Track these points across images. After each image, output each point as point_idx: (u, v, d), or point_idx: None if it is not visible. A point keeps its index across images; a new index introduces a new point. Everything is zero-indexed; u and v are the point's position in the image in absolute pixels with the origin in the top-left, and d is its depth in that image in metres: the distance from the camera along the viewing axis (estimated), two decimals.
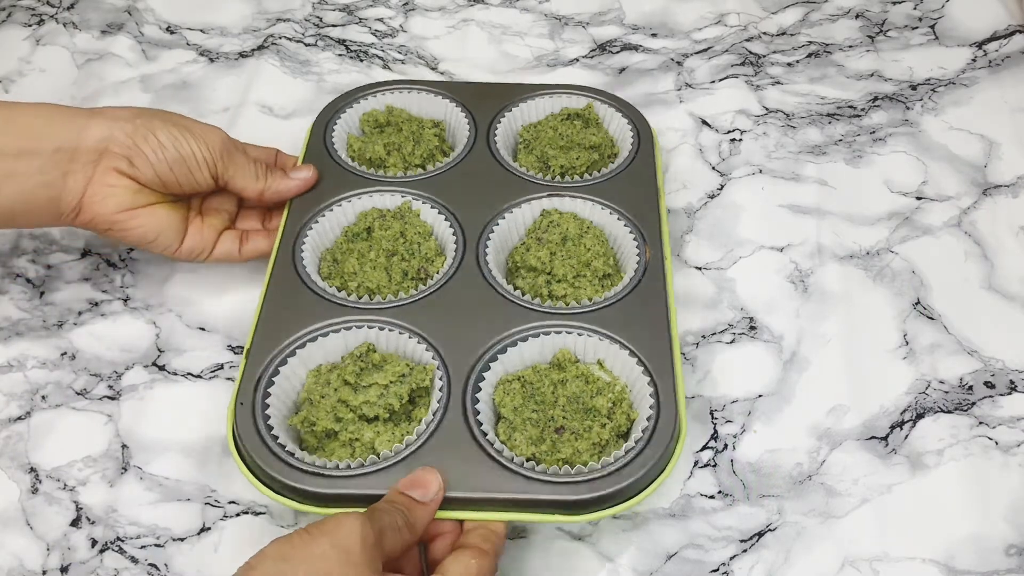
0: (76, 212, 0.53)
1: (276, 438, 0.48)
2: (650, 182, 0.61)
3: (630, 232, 0.58)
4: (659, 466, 0.48)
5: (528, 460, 0.48)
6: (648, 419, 0.49)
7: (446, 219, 0.59)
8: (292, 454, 0.48)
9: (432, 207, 0.60)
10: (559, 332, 0.53)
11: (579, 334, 0.53)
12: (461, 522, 0.47)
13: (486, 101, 0.66)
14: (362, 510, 0.43)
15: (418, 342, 0.52)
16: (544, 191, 0.60)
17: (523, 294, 0.55)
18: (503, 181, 0.61)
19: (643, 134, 0.64)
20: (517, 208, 0.60)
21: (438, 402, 0.50)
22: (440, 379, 0.51)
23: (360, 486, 0.47)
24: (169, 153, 0.54)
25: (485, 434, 0.49)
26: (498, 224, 0.59)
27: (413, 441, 0.48)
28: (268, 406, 0.50)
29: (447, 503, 0.46)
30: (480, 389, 0.51)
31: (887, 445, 0.55)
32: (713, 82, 0.74)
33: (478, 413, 0.50)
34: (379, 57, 0.76)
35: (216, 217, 0.59)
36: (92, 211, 0.53)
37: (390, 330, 0.53)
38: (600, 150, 0.63)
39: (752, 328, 0.60)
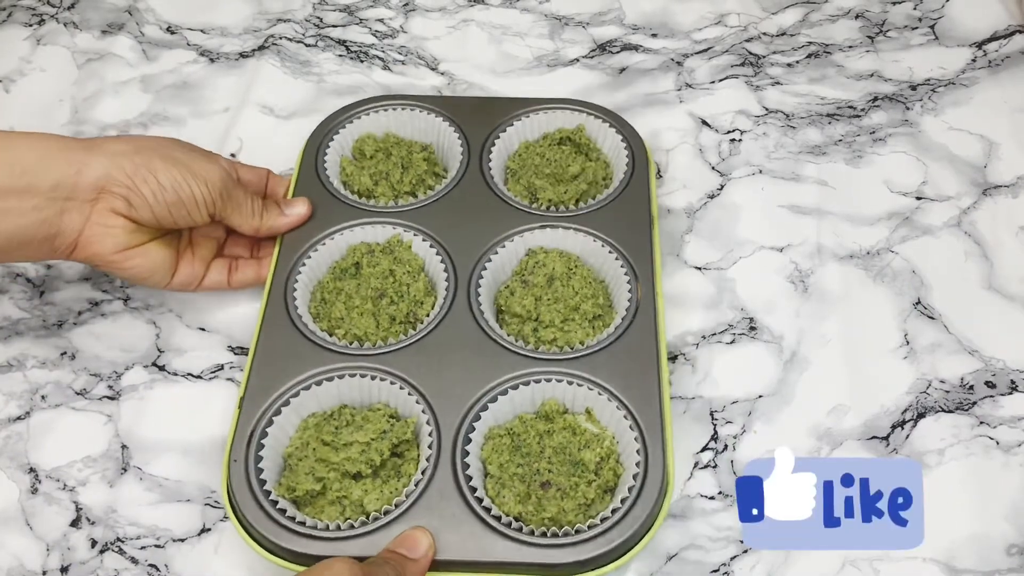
0: (72, 249, 0.53)
1: (268, 494, 0.48)
2: (643, 212, 0.60)
3: (622, 267, 0.57)
4: (647, 524, 0.48)
5: (516, 520, 0.48)
6: (634, 476, 0.49)
7: (437, 253, 0.58)
8: (284, 511, 0.48)
9: (424, 239, 0.59)
10: (548, 380, 0.52)
11: (568, 383, 0.52)
12: None
13: (479, 119, 0.65)
14: None
15: (408, 392, 0.52)
16: (536, 222, 0.59)
17: (515, 339, 0.55)
18: (495, 211, 0.60)
19: (637, 154, 0.63)
20: (509, 241, 0.59)
21: (427, 460, 0.49)
22: (430, 435, 0.50)
23: (353, 548, 0.46)
24: (169, 196, 0.53)
25: (474, 490, 0.49)
26: (490, 260, 0.58)
27: (403, 501, 0.48)
28: (262, 470, 0.49)
29: (438, 565, 0.47)
30: (470, 441, 0.50)
31: (888, 445, 0.55)
32: (713, 82, 0.74)
33: (467, 467, 0.49)
34: (379, 58, 0.76)
35: (205, 247, 0.59)
36: (89, 250, 0.53)
37: (380, 379, 0.52)
38: (590, 181, 0.62)
39: (752, 328, 0.60)
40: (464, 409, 0.51)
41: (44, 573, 0.50)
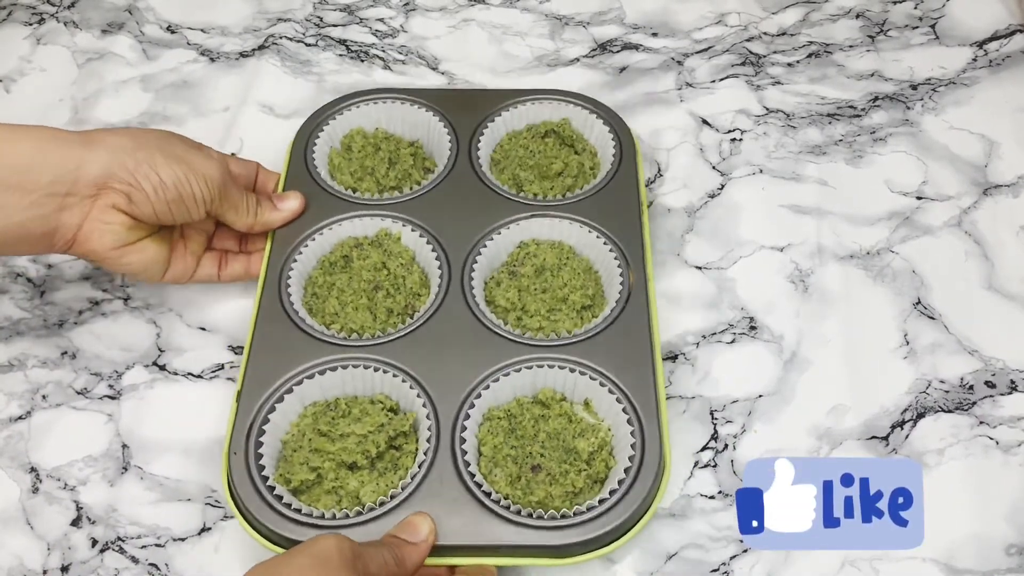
0: (69, 245, 0.52)
1: (272, 489, 0.48)
2: (632, 199, 0.60)
3: (613, 255, 0.57)
4: (643, 508, 0.48)
5: (504, 498, 0.48)
6: (630, 458, 0.49)
7: (428, 243, 0.58)
8: (281, 497, 0.48)
9: (413, 230, 0.59)
10: (551, 367, 0.52)
11: (571, 370, 0.52)
12: (453, 568, 0.48)
13: (468, 111, 0.65)
14: None
15: (409, 385, 0.52)
16: (527, 211, 0.60)
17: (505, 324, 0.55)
18: (486, 201, 0.61)
19: (624, 143, 0.64)
20: (505, 229, 0.59)
21: (425, 453, 0.49)
22: (428, 428, 0.50)
23: (355, 536, 0.45)
24: (170, 193, 0.53)
25: (473, 475, 0.49)
26: (485, 247, 0.58)
27: (408, 483, 0.48)
28: (261, 456, 0.49)
29: (439, 550, 0.47)
30: (466, 428, 0.51)
31: (888, 445, 0.55)
32: (713, 82, 0.74)
33: (465, 454, 0.50)
34: (380, 57, 0.76)
35: (196, 241, 0.59)
36: (87, 246, 0.52)
37: (376, 369, 0.53)
38: (575, 175, 0.62)
39: (752, 328, 0.60)
40: (462, 396, 0.52)
41: (45, 572, 0.50)
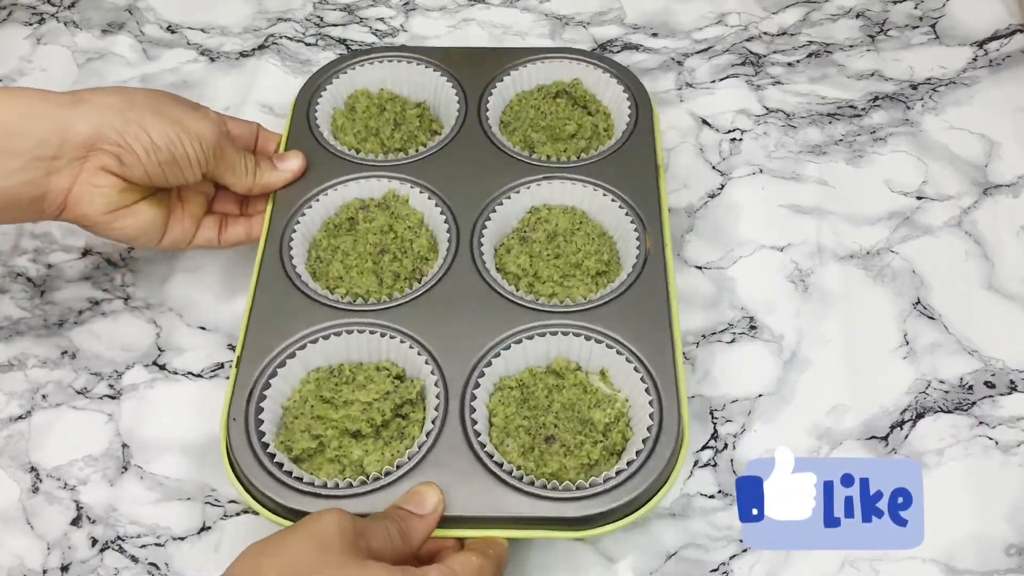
0: (60, 210, 0.50)
1: (273, 457, 0.47)
2: (648, 161, 0.58)
3: (629, 219, 0.56)
4: (662, 478, 0.47)
5: (517, 469, 0.47)
6: (648, 428, 0.47)
7: (437, 205, 0.56)
8: (282, 467, 0.46)
9: (422, 192, 0.57)
10: (566, 334, 0.51)
11: (586, 337, 0.51)
12: (462, 541, 0.46)
13: (475, 70, 0.63)
14: None
15: (416, 351, 0.50)
16: (539, 173, 0.58)
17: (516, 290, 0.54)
18: (496, 162, 0.59)
19: (641, 103, 0.62)
20: (515, 193, 0.57)
21: (432, 421, 0.48)
22: (437, 396, 0.49)
23: (359, 506, 0.45)
24: (162, 154, 0.51)
25: (483, 445, 0.47)
26: (495, 211, 0.56)
27: (415, 453, 0.47)
28: (262, 422, 0.48)
29: (448, 522, 0.45)
30: (476, 397, 0.49)
31: (887, 445, 0.55)
32: (713, 82, 0.74)
33: (475, 423, 0.48)
34: None
35: (195, 203, 0.57)
36: (77, 211, 0.50)
37: (383, 335, 0.51)
38: (589, 137, 0.61)
39: (752, 328, 0.60)
40: (472, 363, 0.50)
41: (45, 572, 0.50)
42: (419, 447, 0.47)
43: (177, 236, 0.55)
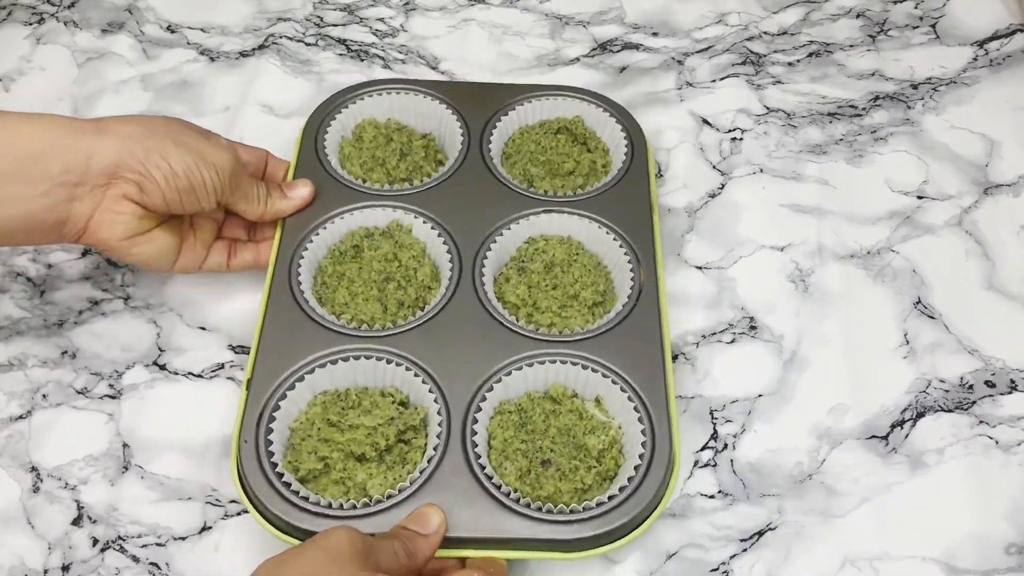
0: (80, 234, 0.52)
1: (281, 476, 0.48)
2: (643, 197, 0.61)
3: (623, 251, 0.58)
4: (653, 503, 0.48)
5: (514, 491, 0.48)
6: (640, 456, 0.49)
7: (440, 235, 0.58)
8: (289, 486, 0.48)
9: (425, 222, 0.59)
10: (564, 362, 0.53)
11: (583, 367, 0.52)
12: (463, 560, 0.47)
13: (479, 105, 0.65)
14: None
15: (420, 378, 0.52)
16: (539, 206, 0.60)
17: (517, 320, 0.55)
18: (497, 195, 0.61)
19: (636, 142, 0.64)
20: (515, 224, 0.59)
21: (435, 448, 0.49)
22: (439, 424, 0.50)
23: (366, 527, 0.46)
24: (181, 183, 0.52)
25: (483, 467, 0.49)
26: (495, 242, 0.58)
27: (417, 478, 0.48)
28: (271, 442, 0.50)
29: (449, 542, 0.47)
30: (477, 421, 0.51)
31: (887, 444, 0.55)
32: (714, 81, 0.74)
33: (476, 446, 0.50)
34: (380, 57, 0.76)
35: (206, 230, 0.58)
36: (98, 236, 0.52)
37: (389, 362, 0.53)
38: (586, 173, 0.62)
39: (752, 328, 0.60)
40: (473, 389, 0.52)
41: (46, 572, 0.50)
42: (420, 472, 0.49)
43: (188, 261, 0.57)
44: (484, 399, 0.51)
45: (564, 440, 0.51)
